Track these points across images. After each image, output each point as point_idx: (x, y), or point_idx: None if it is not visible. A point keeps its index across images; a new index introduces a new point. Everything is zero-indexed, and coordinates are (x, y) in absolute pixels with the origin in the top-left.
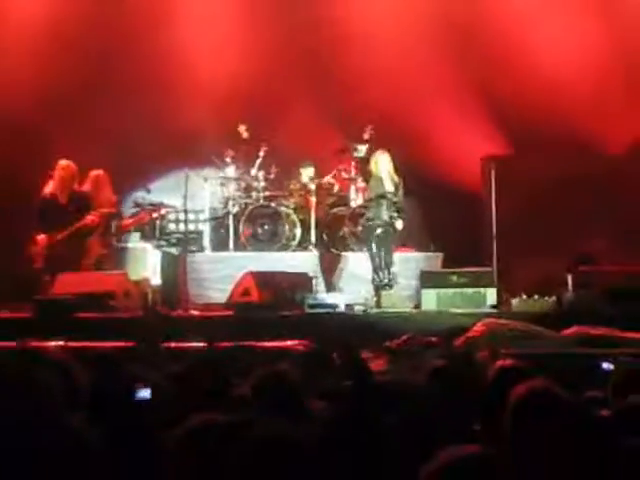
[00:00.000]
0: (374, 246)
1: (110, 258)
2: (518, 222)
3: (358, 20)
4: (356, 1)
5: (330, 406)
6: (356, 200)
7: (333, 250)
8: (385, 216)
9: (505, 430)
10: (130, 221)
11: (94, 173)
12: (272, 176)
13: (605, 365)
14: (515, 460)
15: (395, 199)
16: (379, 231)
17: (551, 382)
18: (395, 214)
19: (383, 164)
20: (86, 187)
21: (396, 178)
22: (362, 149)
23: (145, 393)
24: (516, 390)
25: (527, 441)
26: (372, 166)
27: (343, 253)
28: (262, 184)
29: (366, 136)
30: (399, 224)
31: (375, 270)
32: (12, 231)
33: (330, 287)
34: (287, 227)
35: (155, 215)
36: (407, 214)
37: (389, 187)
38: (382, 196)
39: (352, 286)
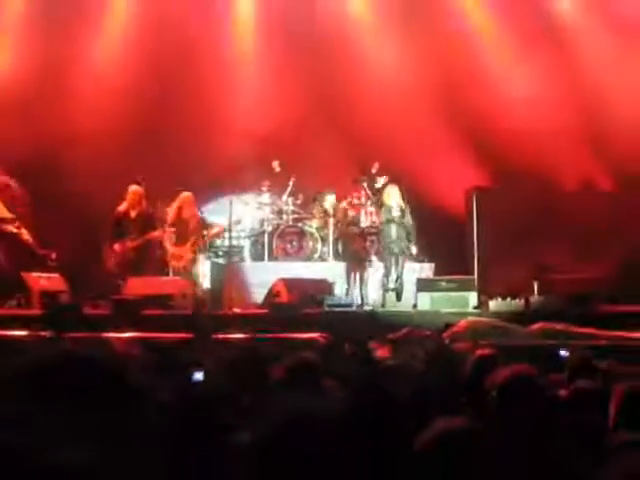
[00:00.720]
0: (387, 258)
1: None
2: (494, 239)
3: (367, 77)
4: (366, 64)
5: (341, 386)
6: (365, 222)
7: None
8: (394, 235)
9: (489, 405)
10: (213, 233)
11: (184, 194)
12: (299, 202)
13: (562, 352)
14: (499, 430)
15: (404, 222)
16: (393, 248)
17: (530, 367)
18: (406, 237)
19: (393, 195)
20: (175, 205)
21: (404, 206)
22: (378, 180)
23: (199, 375)
24: (501, 373)
25: (510, 415)
26: (384, 196)
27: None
28: (291, 208)
29: (374, 170)
30: (413, 249)
31: (385, 276)
32: (93, 242)
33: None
34: (311, 243)
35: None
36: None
37: (396, 213)
38: (391, 220)
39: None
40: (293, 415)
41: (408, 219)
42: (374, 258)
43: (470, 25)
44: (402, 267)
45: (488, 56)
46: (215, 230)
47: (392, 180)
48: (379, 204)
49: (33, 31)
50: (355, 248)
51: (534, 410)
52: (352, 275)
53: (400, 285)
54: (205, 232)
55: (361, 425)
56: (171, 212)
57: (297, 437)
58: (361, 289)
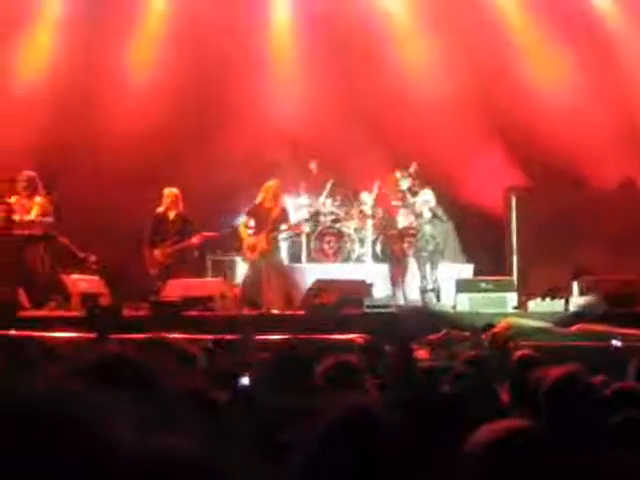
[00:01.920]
0: (424, 259)
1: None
2: (533, 240)
3: (404, 77)
4: (401, 63)
5: (381, 386)
6: (402, 223)
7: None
8: (428, 236)
9: (536, 406)
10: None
11: (270, 182)
12: (337, 203)
13: (614, 342)
14: (550, 431)
15: (435, 223)
16: (430, 248)
17: (580, 367)
18: (437, 238)
19: (427, 197)
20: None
21: (436, 207)
22: (406, 182)
23: (245, 380)
24: (550, 373)
25: (562, 415)
26: (419, 198)
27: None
28: (329, 209)
29: (411, 170)
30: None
31: (422, 278)
32: (132, 245)
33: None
34: (348, 244)
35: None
36: (446, 235)
37: (428, 215)
38: (424, 222)
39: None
40: (351, 413)
41: (440, 220)
42: (410, 259)
43: (504, 21)
44: (436, 268)
45: (524, 54)
46: (293, 224)
47: (424, 182)
48: (412, 205)
49: (71, 30)
50: (393, 249)
51: (585, 410)
52: (393, 276)
53: (437, 286)
54: (285, 225)
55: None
56: (256, 201)
57: (357, 435)
58: (401, 290)
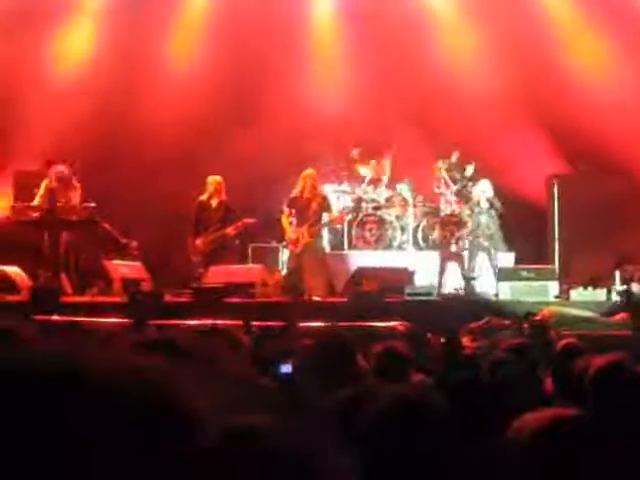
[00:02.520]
0: (477, 248)
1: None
2: (575, 228)
3: (445, 66)
4: (444, 53)
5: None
6: (445, 210)
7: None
8: (484, 226)
9: (582, 395)
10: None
11: (307, 171)
12: (378, 190)
13: None
14: (596, 420)
15: (491, 213)
16: (484, 238)
17: (626, 355)
18: (492, 228)
19: (484, 187)
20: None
21: (492, 198)
22: (467, 168)
23: (287, 368)
24: (595, 361)
25: (608, 404)
26: (475, 186)
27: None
28: (370, 197)
29: (454, 159)
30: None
31: (470, 266)
32: (174, 231)
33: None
34: (390, 231)
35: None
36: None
37: (485, 205)
38: (480, 211)
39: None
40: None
41: (497, 211)
42: (454, 247)
43: (549, 14)
44: (492, 258)
45: (570, 48)
46: (335, 215)
47: (481, 172)
48: (465, 193)
49: (114, 21)
50: (435, 237)
51: (632, 399)
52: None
53: (479, 272)
54: (327, 215)
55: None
56: (294, 192)
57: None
58: (444, 277)
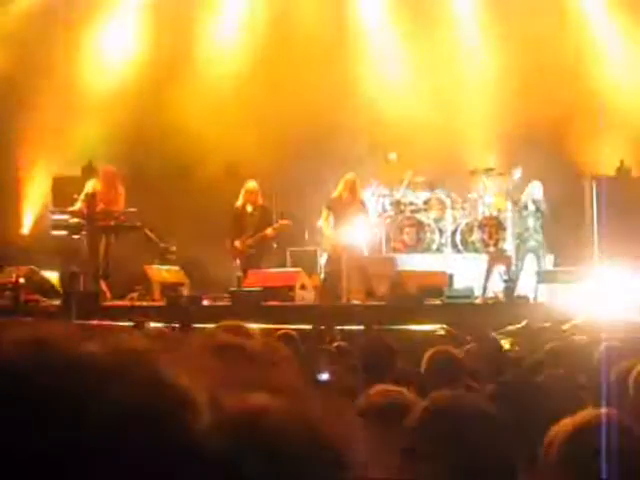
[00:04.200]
0: (524, 251)
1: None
2: (615, 229)
3: (482, 69)
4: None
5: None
6: (484, 213)
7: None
8: (532, 229)
9: (624, 397)
10: None
11: (347, 176)
12: (416, 193)
13: None
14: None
15: (538, 216)
16: (528, 240)
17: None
18: (539, 230)
19: (533, 190)
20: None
21: (539, 201)
22: (514, 172)
23: (324, 376)
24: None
25: None
26: (525, 189)
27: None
28: (408, 199)
29: (491, 163)
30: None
31: (509, 269)
32: (213, 236)
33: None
34: (428, 234)
35: None
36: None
37: (532, 207)
38: (528, 214)
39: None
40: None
41: (543, 214)
42: (492, 249)
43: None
44: (542, 260)
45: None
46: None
47: (532, 176)
48: (513, 196)
49: (159, 16)
50: (473, 239)
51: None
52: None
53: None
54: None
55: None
56: (334, 194)
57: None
58: (487, 280)
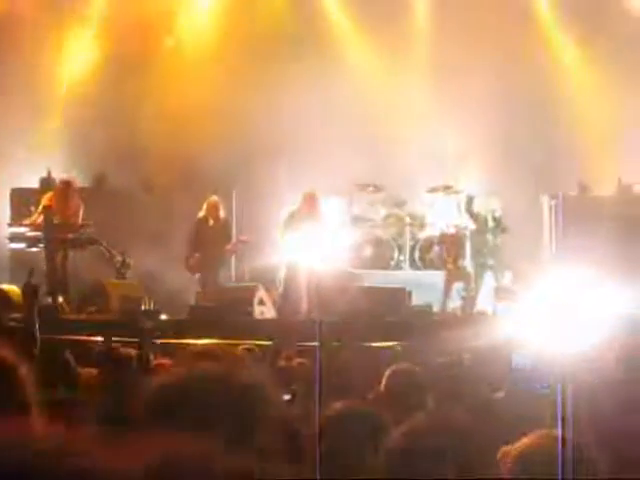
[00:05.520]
0: (483, 268)
1: None
2: (572, 248)
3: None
4: None
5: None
6: (442, 230)
7: None
8: (492, 245)
9: None
10: None
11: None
12: (375, 209)
13: None
14: None
15: (496, 233)
16: (490, 257)
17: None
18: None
19: (493, 206)
20: None
21: (499, 218)
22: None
23: (286, 397)
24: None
25: None
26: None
27: None
28: (368, 215)
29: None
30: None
31: (468, 286)
32: (171, 249)
33: None
34: (387, 251)
35: None
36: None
37: (491, 224)
38: (485, 230)
39: None
40: None
41: (503, 231)
42: (451, 266)
43: None
44: (500, 277)
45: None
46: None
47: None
48: (471, 213)
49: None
50: (431, 256)
51: None
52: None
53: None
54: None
55: None
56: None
57: None
58: (445, 297)
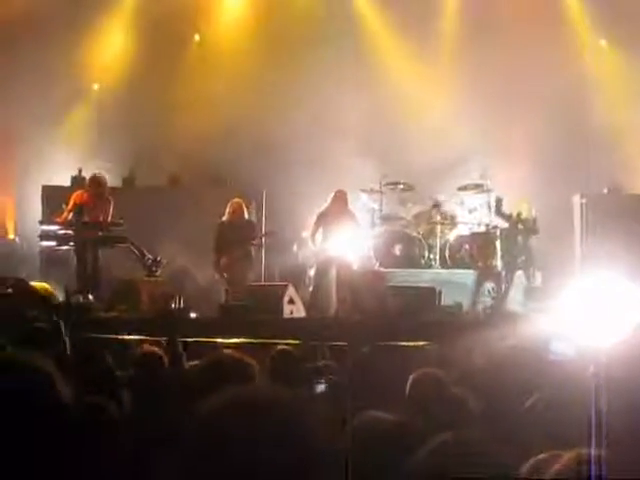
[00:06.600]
0: (514, 267)
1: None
2: (602, 248)
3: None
4: None
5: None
6: (473, 229)
7: None
8: (521, 245)
9: None
10: None
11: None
12: (406, 207)
13: None
14: None
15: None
16: (516, 257)
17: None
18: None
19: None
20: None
21: (528, 218)
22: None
23: (322, 387)
24: None
25: None
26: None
27: None
28: (398, 214)
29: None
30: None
31: (498, 286)
32: (201, 249)
33: None
34: (417, 249)
35: None
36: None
37: (521, 226)
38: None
39: None
40: None
41: (533, 230)
42: (482, 265)
43: None
44: (531, 277)
45: None
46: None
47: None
48: (501, 214)
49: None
50: (462, 255)
51: None
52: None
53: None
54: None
55: None
56: (323, 207)
57: None
58: (476, 296)
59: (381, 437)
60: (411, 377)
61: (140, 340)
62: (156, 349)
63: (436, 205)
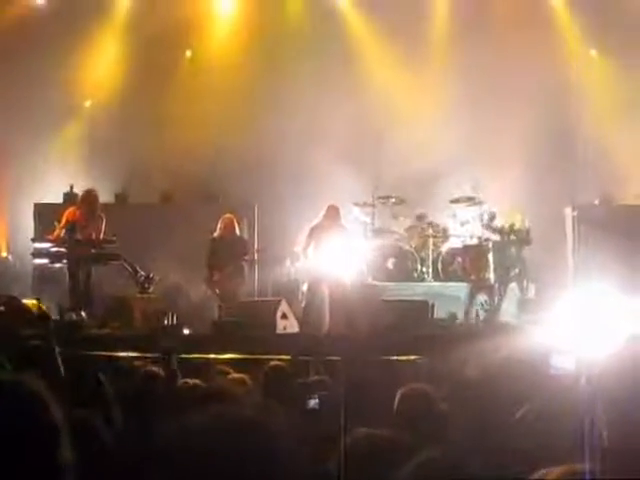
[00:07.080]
0: (508, 280)
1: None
2: (594, 259)
3: None
4: None
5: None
6: (465, 241)
7: None
8: (515, 257)
9: None
10: None
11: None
12: (398, 221)
13: None
14: None
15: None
16: (509, 269)
17: None
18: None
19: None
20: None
21: (521, 230)
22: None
23: (314, 403)
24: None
25: None
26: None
27: None
28: (390, 227)
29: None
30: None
31: (491, 298)
32: (193, 266)
33: None
34: (410, 262)
35: None
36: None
37: (513, 237)
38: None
39: None
40: None
41: (526, 242)
42: (474, 277)
43: None
44: (525, 288)
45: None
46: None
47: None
48: (493, 229)
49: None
50: (453, 268)
51: None
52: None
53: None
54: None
55: None
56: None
57: None
58: (469, 308)
59: (370, 453)
60: (399, 392)
61: (135, 357)
62: (154, 368)
63: (420, 217)
